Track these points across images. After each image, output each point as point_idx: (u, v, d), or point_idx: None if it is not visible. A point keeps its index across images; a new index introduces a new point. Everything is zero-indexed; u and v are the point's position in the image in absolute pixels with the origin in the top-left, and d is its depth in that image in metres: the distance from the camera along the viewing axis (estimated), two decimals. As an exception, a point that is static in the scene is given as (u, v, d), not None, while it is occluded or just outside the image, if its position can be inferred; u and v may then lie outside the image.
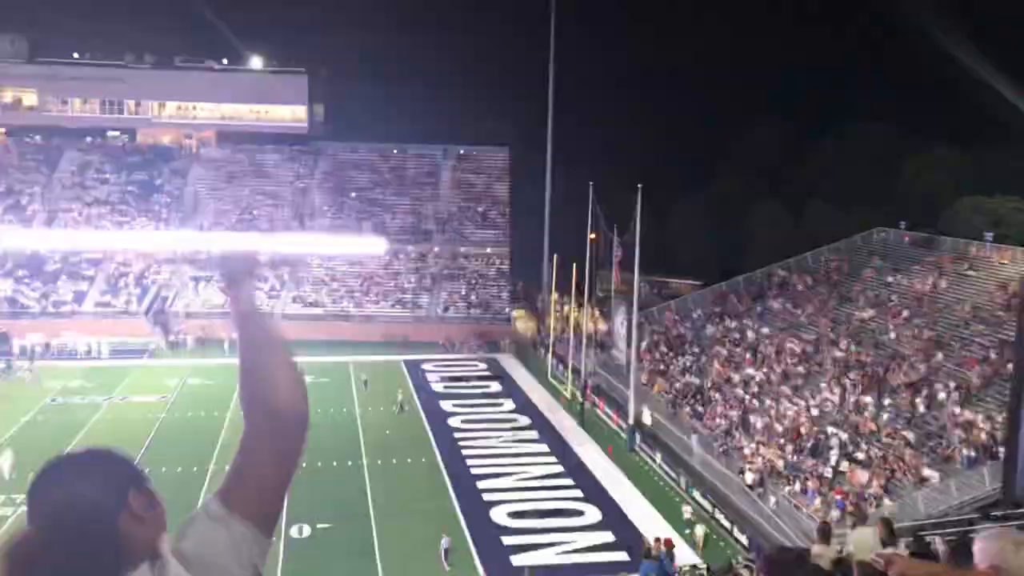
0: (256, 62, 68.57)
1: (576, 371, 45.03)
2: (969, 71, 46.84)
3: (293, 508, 28.54)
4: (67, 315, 53.99)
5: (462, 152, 69.88)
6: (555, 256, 52.62)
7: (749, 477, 31.11)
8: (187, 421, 38.38)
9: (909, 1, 53.14)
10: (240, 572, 1.83)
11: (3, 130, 67.54)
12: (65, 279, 57.17)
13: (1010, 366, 26.90)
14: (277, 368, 2.07)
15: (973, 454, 28.15)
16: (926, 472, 28.15)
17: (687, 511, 28.99)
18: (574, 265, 46.15)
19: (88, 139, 67.81)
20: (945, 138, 56.89)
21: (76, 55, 68.22)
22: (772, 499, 29.49)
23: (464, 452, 35.34)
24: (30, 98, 67.51)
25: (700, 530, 27.59)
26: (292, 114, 69.22)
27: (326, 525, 27.45)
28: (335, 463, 33.49)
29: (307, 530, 27.06)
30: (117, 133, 69.38)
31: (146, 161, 66.74)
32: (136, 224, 61.69)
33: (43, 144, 66.82)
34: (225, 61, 68.73)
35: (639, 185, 37.37)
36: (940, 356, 34.58)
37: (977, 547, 2.69)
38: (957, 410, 30.54)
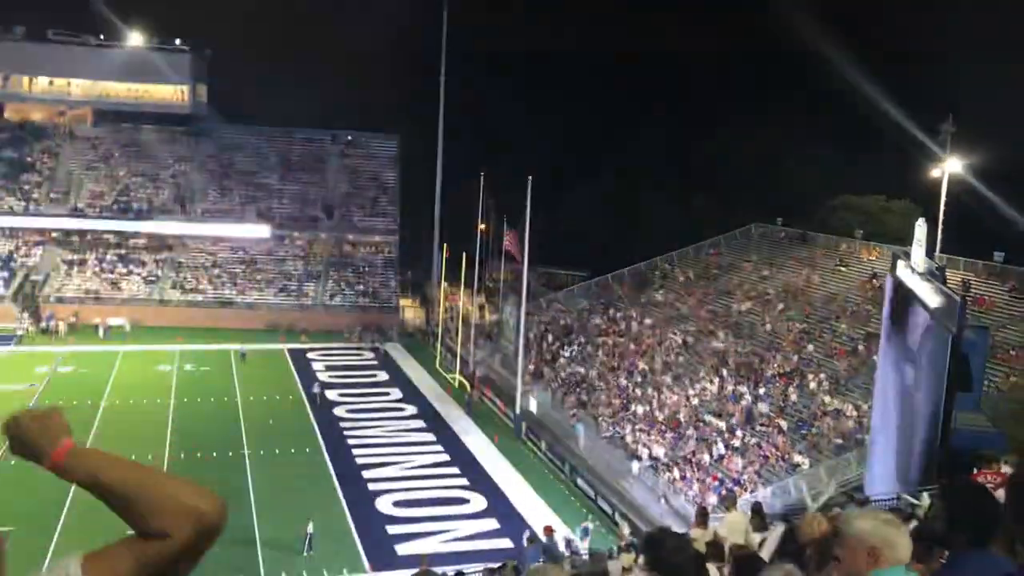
0: (136, 38, 65.71)
1: (464, 361, 45.16)
2: (846, 77, 49.07)
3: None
4: (-76, 299, 50.82)
5: (350, 138, 68.84)
6: (444, 246, 52.58)
7: (633, 465, 31.91)
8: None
9: (787, 5, 55.21)
10: None
11: None
12: (-78, 260, 53.75)
13: (875, 357, 28.38)
14: (165, 485, 1.81)
15: (840, 441, 29.62)
16: (797, 458, 29.46)
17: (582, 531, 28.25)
18: (464, 255, 46.25)
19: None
20: (821, 139, 59.38)
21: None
22: (652, 485, 30.33)
23: (350, 442, 35.02)
24: None
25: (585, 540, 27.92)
26: (174, 94, 66.71)
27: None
28: (215, 453, 32.69)
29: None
30: (-18, 107, 65.44)
31: (15, 138, 63.19)
32: (3, 203, 58.38)
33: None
34: (103, 37, 65.58)
35: (529, 177, 37.73)
36: (811, 347, 36.20)
37: (855, 527, 2.80)
38: (827, 399, 32.06)
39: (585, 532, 27.56)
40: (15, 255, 55.99)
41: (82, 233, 58.23)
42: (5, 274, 54.30)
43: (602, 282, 51.38)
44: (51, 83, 65.73)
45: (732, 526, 10.18)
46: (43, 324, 50.57)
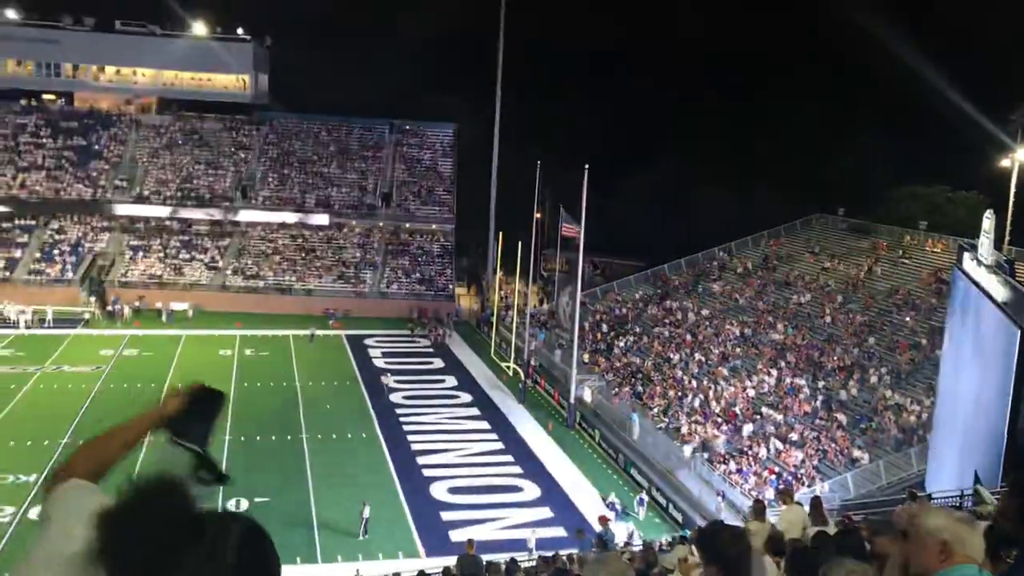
0: (199, 28, 66.90)
1: (519, 349, 45.23)
2: (912, 66, 47.83)
3: (231, 483, 28.25)
4: (-2, 282, 52.55)
5: (408, 127, 69.27)
6: (500, 234, 52.66)
7: (687, 455, 31.68)
8: (122, 392, 37.64)
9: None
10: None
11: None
12: (-4, 245, 55.53)
13: (939, 352, 27.73)
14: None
15: (901, 436, 29.03)
16: (856, 453, 28.96)
17: (637, 505, 29.13)
18: (519, 244, 46.25)
19: (23, 102, 65.59)
20: (884, 128, 58.04)
21: (11, 15, 65.81)
22: (708, 477, 30.07)
23: (405, 428, 35.35)
24: (-40, 57, 65.03)
25: (641, 512, 28.16)
26: (235, 82, 67.85)
27: (264, 499, 27.27)
28: (274, 437, 33.26)
29: (245, 504, 26.83)
30: (53, 97, 67.26)
31: (84, 126, 64.89)
32: (72, 191, 60.02)
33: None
34: (167, 27, 66.90)
35: (586, 166, 37.52)
36: (872, 340, 35.50)
37: (928, 522, 2.75)
38: (888, 393, 31.43)
39: (640, 502, 28.00)
40: (83, 241, 57.54)
41: (147, 219, 59.61)
42: (73, 259, 55.86)
43: (659, 272, 51.01)
44: (118, 72, 67.34)
45: (790, 520, 10.05)
46: (109, 308, 51.92)
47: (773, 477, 28.61)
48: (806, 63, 65.71)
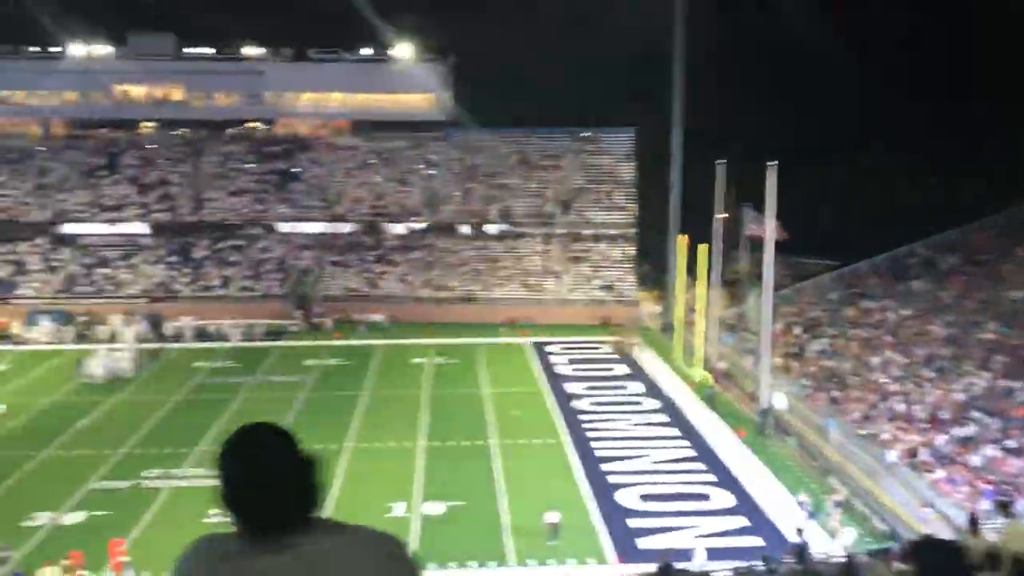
0: (388, 50, 70.14)
1: (706, 355, 44.27)
2: None
3: (428, 486, 29.33)
4: (214, 299, 56.99)
5: (586, 135, 69.62)
6: (683, 237, 51.75)
7: (890, 462, 29.90)
8: (325, 399, 39.87)
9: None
10: None
11: (153, 123, 71.57)
12: (212, 264, 60.32)
13: None
14: None
15: None
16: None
17: (829, 502, 28.07)
18: (703, 246, 45.29)
19: (229, 131, 71.10)
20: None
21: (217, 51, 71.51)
22: (914, 487, 28.26)
23: (590, 434, 35.36)
24: (177, 93, 71.25)
25: (837, 516, 26.86)
26: (422, 101, 70.58)
27: (458, 503, 28.05)
28: (465, 442, 34.15)
29: (441, 507, 27.73)
30: (257, 124, 72.46)
31: (285, 151, 69.45)
32: (275, 212, 64.30)
33: (190, 136, 70.44)
34: (358, 51, 70.66)
35: (772, 162, 36.23)
36: (1103, 339, 32.28)
37: None
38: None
39: (836, 504, 26.78)
40: (287, 258, 61.49)
41: (343, 236, 63.01)
42: (280, 275, 59.79)
43: (855, 270, 48.56)
44: (314, 98, 71.69)
45: (1012, 535, 9.26)
46: (312, 320, 55.23)
47: (988, 488, 26.51)
48: (1016, 45, 60.81)
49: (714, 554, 23.50)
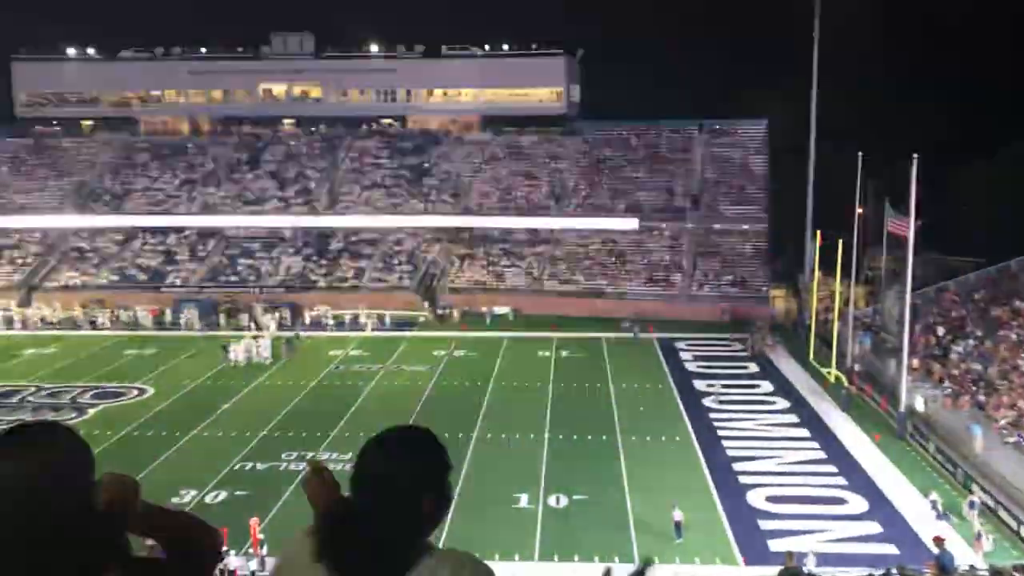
0: (515, 46, 70.74)
1: (841, 354, 42.71)
2: None
3: (551, 478, 29.49)
4: (348, 290, 58.90)
5: (717, 127, 68.20)
6: (818, 232, 50.09)
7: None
8: (452, 389, 40.63)
9: None
10: None
11: (293, 120, 74.58)
12: (347, 257, 62.35)
13: None
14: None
15: None
16: None
17: (964, 504, 26.74)
18: (840, 242, 43.67)
19: (364, 127, 73.24)
20: None
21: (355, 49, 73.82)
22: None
23: (719, 433, 34.73)
24: (315, 91, 73.96)
25: (974, 517, 25.67)
26: (550, 95, 70.84)
27: (583, 496, 28.09)
28: (589, 437, 34.12)
29: (564, 500, 27.84)
30: (390, 121, 74.40)
31: (416, 146, 71.01)
32: (408, 206, 65.84)
33: (327, 133, 72.97)
34: (487, 47, 71.53)
35: (914, 155, 34.61)
36: None
37: None
38: None
39: (972, 505, 25.85)
40: (417, 251, 62.89)
41: (472, 230, 63.98)
42: (410, 267, 61.24)
43: (1004, 268, 45.83)
44: (444, 94, 73.04)
45: None
46: (440, 311, 56.37)
47: None
48: None
49: (842, 560, 22.75)
